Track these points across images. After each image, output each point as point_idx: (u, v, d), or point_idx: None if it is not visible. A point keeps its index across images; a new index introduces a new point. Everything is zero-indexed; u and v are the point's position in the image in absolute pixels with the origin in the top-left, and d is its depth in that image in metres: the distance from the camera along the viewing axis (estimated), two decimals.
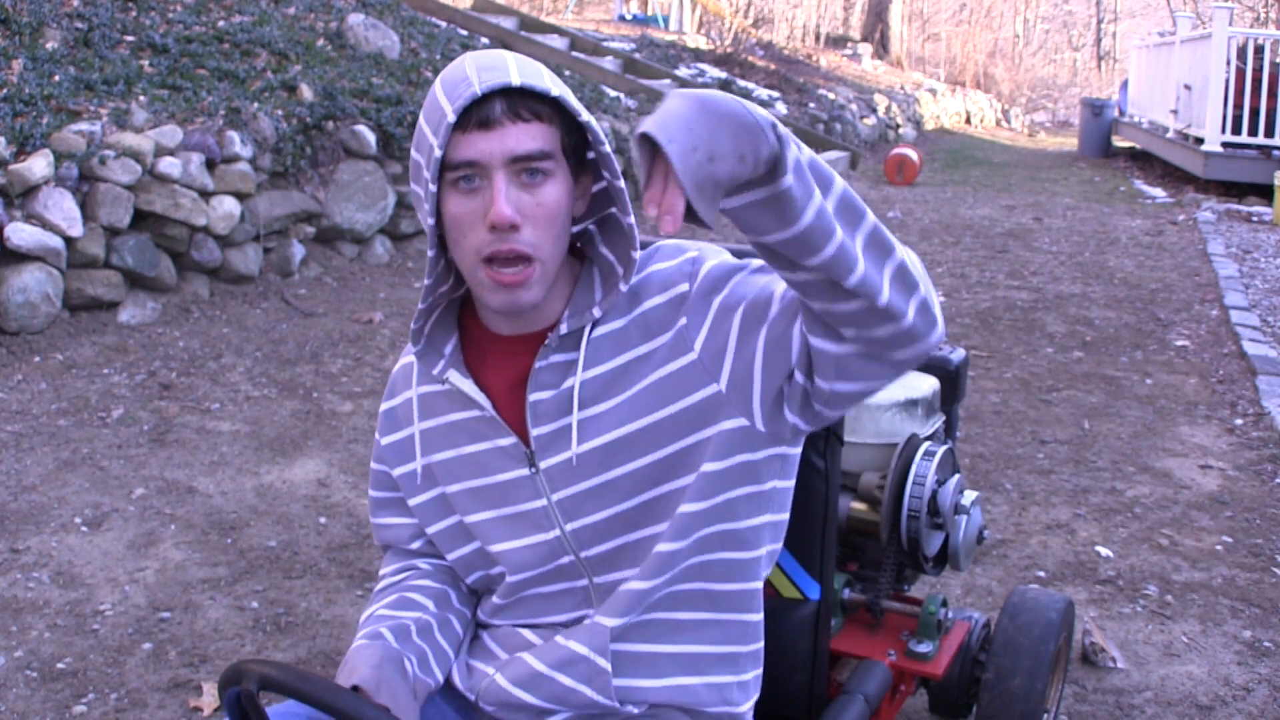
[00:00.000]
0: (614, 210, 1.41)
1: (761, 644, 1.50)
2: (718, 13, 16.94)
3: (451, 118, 1.26)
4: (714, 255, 1.43)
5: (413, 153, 1.35)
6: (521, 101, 1.29)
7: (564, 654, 1.42)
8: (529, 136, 1.29)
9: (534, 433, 1.40)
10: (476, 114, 1.27)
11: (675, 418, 1.38)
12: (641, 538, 1.42)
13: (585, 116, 1.32)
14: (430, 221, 1.33)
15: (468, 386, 1.42)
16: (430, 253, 1.35)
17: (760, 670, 1.53)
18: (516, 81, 1.27)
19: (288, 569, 3.12)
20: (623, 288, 1.37)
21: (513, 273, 1.31)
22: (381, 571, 1.59)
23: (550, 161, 1.31)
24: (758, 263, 1.40)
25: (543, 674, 1.42)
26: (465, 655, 1.50)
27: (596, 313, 1.38)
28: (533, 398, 1.40)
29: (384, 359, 4.95)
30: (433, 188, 1.31)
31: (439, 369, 1.43)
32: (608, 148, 1.34)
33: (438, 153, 1.28)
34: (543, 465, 1.41)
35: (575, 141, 1.35)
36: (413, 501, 1.51)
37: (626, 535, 1.41)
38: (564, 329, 1.38)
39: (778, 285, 1.34)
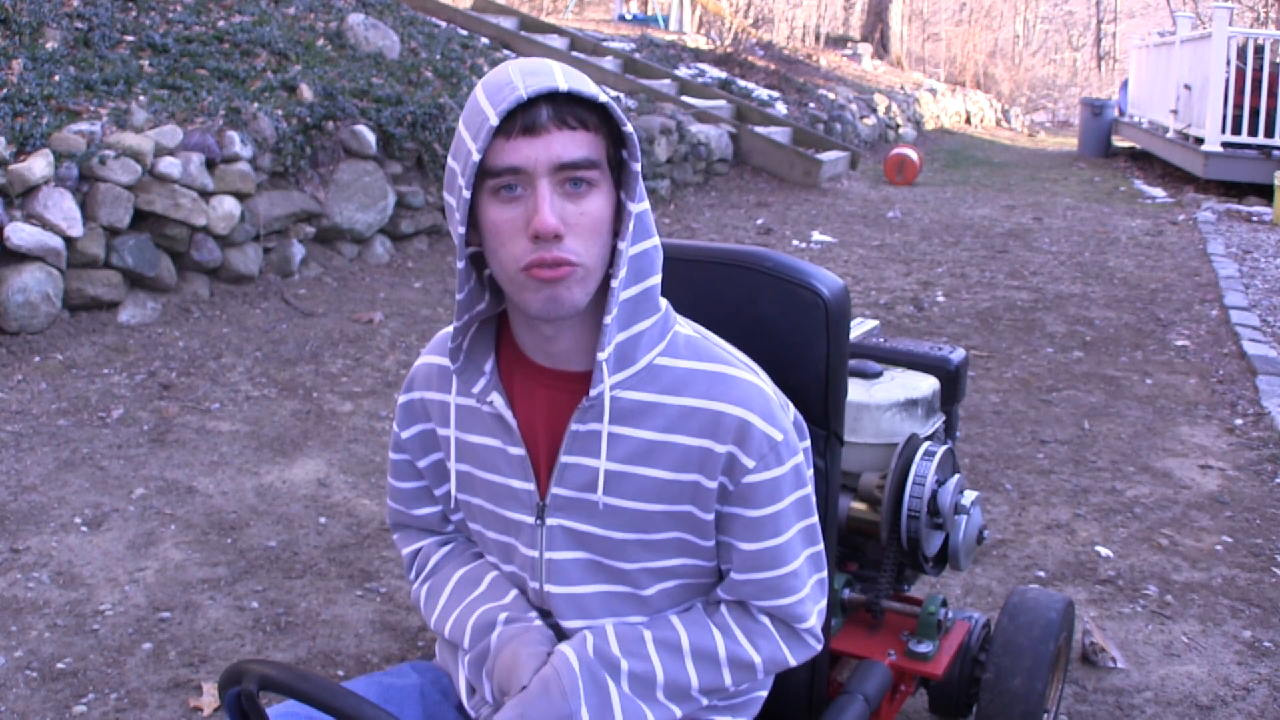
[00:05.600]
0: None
1: None
2: (718, 13, 16.94)
3: (494, 121, 1.22)
4: (789, 458, 1.39)
5: (449, 161, 1.30)
6: (568, 108, 1.25)
7: None
8: (575, 144, 1.25)
9: (554, 491, 1.40)
10: (521, 119, 1.23)
11: (674, 514, 1.40)
12: (619, 595, 1.45)
13: (629, 128, 1.28)
14: (460, 230, 1.29)
15: (509, 417, 1.40)
16: (459, 264, 1.32)
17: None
18: (564, 87, 1.23)
19: (288, 569, 3.12)
20: (607, 321, 1.32)
21: (553, 270, 1.27)
22: (419, 545, 1.60)
23: (595, 171, 1.28)
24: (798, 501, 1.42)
25: None
26: (466, 670, 1.51)
27: (600, 356, 1.33)
28: (565, 459, 1.39)
29: (384, 359, 4.95)
30: (466, 193, 1.26)
31: (480, 388, 1.40)
32: (640, 165, 1.31)
33: (476, 157, 1.24)
34: (550, 521, 1.42)
35: (619, 154, 1.32)
36: (463, 496, 1.51)
37: (602, 608, 1.44)
38: (593, 392, 1.34)
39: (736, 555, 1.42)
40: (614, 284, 1.31)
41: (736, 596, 1.44)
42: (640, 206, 1.33)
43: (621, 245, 1.31)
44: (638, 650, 1.39)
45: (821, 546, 1.47)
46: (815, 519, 1.46)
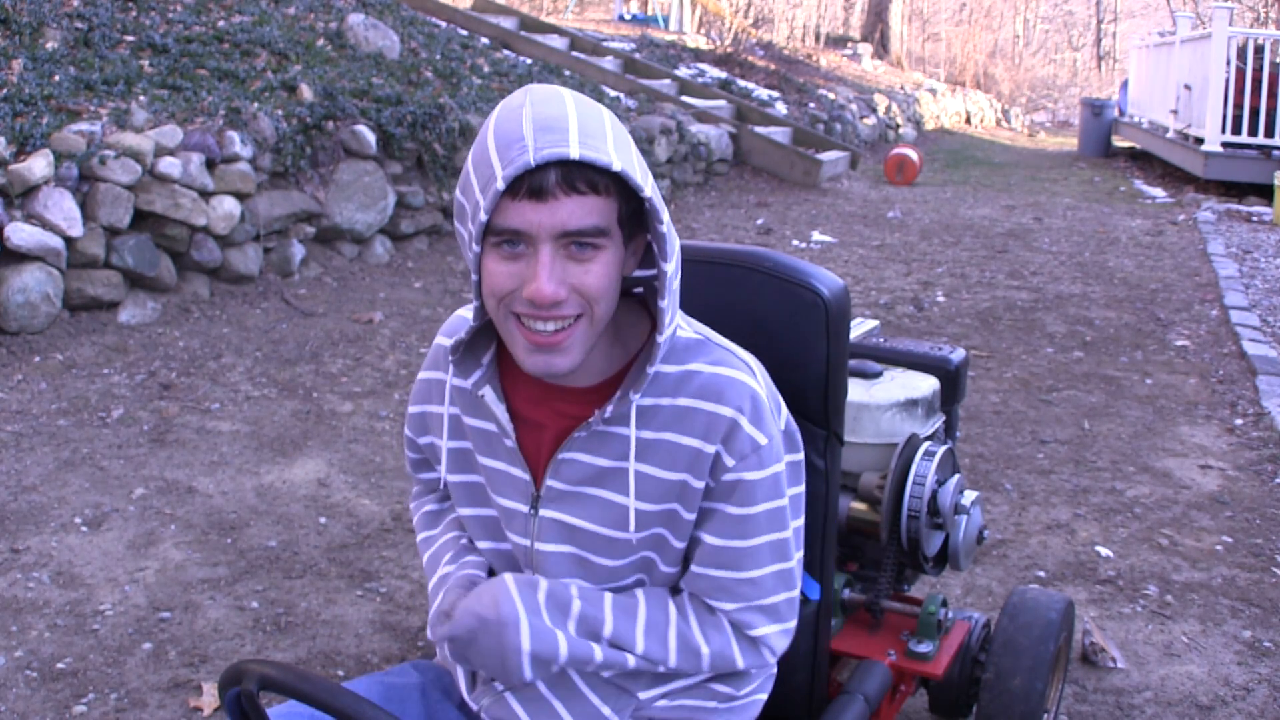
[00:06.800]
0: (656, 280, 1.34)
1: None
2: (718, 13, 16.94)
3: (500, 185, 1.18)
4: (770, 464, 1.38)
5: (458, 194, 1.27)
6: (579, 172, 1.20)
7: (585, 708, 1.44)
8: (583, 211, 1.21)
9: (549, 482, 1.41)
10: (528, 182, 1.19)
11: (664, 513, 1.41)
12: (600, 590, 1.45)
13: (648, 193, 1.23)
14: (475, 278, 1.28)
15: (500, 412, 1.40)
16: (475, 303, 1.32)
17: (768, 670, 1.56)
18: (575, 154, 1.17)
19: (288, 569, 3.12)
20: (650, 370, 1.32)
21: (547, 335, 1.26)
22: (422, 490, 1.69)
23: (603, 238, 1.24)
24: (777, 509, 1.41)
25: (554, 709, 1.44)
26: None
27: (634, 397, 1.33)
28: (563, 455, 1.39)
29: (384, 359, 4.95)
30: (476, 248, 1.24)
31: (475, 379, 1.40)
32: (668, 227, 1.26)
33: (483, 217, 1.21)
34: (543, 513, 1.42)
35: (633, 208, 1.27)
36: (452, 479, 1.51)
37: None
38: (608, 412, 1.34)
39: (702, 550, 1.41)
40: (659, 337, 1.31)
41: (691, 589, 1.43)
42: (672, 263, 1.29)
43: (663, 304, 1.30)
44: (593, 599, 1.39)
45: (794, 564, 1.43)
46: (790, 534, 1.42)
